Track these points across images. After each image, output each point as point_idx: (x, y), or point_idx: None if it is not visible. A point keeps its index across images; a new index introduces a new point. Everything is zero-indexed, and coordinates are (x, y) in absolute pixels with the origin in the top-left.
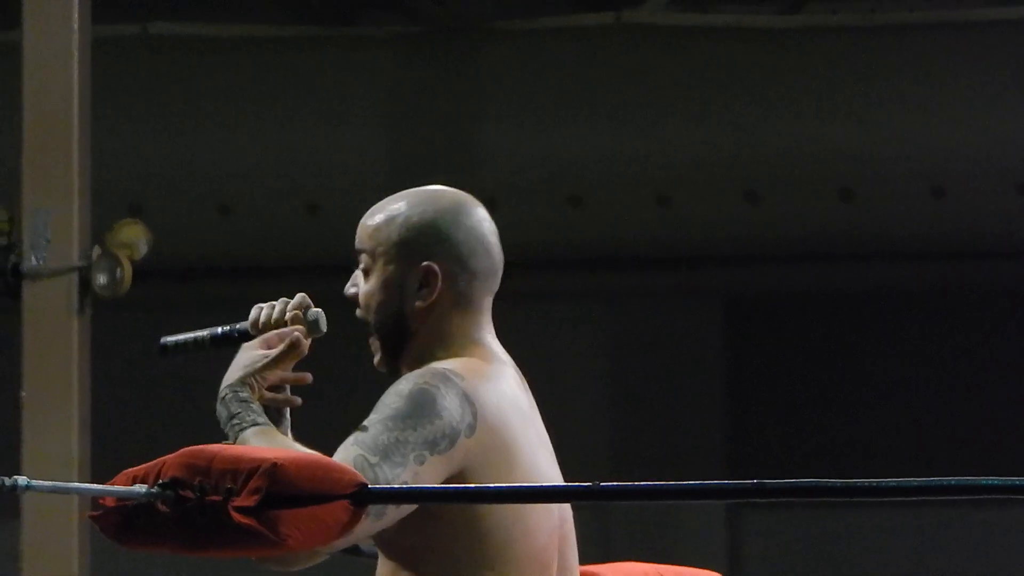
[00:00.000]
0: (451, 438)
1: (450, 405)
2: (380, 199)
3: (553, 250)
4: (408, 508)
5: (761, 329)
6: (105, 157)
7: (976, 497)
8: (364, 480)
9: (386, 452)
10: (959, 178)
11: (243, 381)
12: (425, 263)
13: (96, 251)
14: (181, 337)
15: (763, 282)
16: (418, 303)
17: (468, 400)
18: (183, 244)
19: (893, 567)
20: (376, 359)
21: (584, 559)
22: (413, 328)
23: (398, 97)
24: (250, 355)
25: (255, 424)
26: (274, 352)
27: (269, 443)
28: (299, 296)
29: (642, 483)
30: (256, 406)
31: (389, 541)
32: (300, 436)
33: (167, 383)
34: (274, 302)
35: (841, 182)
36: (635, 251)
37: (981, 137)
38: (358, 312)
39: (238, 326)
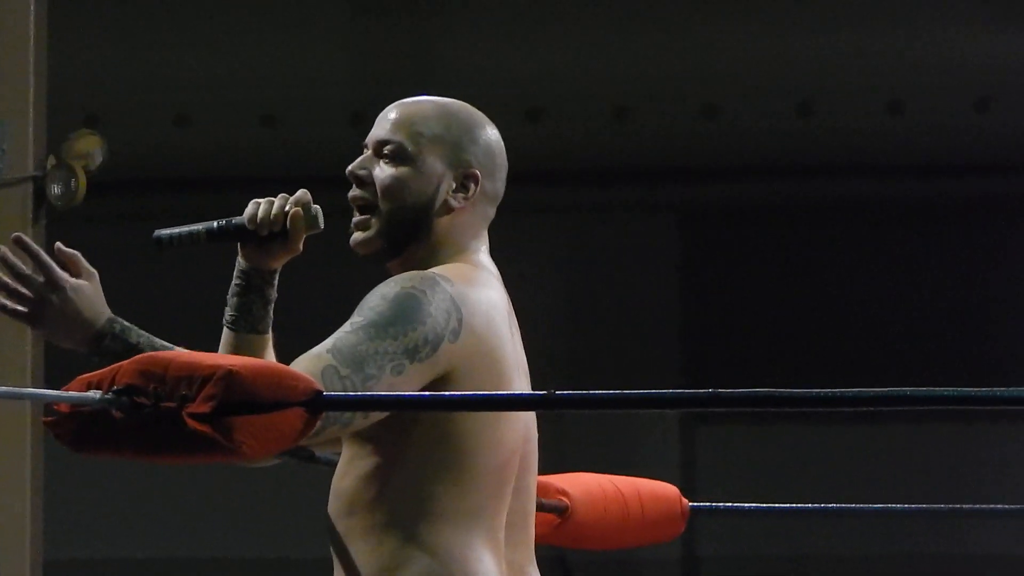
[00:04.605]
0: (433, 344)
1: (435, 311)
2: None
3: (511, 164)
4: (379, 414)
5: (716, 242)
6: (62, 68)
7: (935, 408)
8: (319, 387)
9: (360, 363)
10: (917, 93)
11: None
12: (470, 168)
13: (51, 161)
14: (176, 231)
15: (718, 195)
16: (452, 202)
17: (455, 304)
18: (140, 155)
19: (848, 482)
20: (362, 240)
21: (540, 470)
22: (430, 225)
23: (358, 10)
24: None
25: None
26: None
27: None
28: (300, 191)
29: (596, 391)
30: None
31: (356, 436)
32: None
33: (121, 292)
34: (272, 197)
35: (800, 96)
36: (592, 164)
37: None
38: (356, 193)
39: (234, 220)
